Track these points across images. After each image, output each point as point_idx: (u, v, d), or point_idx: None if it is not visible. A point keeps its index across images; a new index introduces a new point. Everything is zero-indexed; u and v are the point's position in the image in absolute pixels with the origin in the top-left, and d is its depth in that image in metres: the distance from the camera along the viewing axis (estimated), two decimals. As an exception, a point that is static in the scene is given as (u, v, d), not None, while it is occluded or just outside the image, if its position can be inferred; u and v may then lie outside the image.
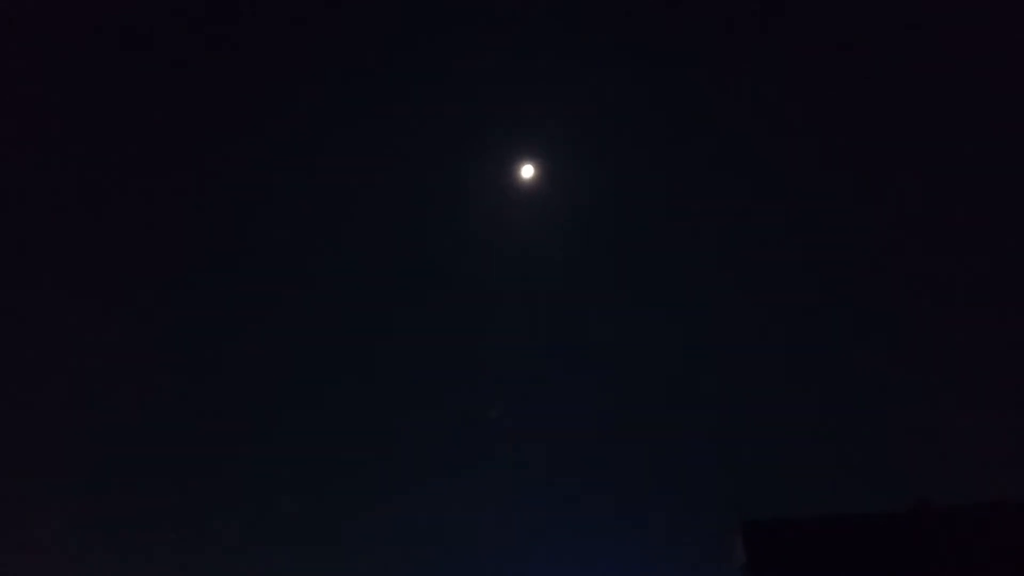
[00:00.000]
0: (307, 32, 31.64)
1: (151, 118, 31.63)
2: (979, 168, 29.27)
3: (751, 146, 31.33)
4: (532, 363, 31.51)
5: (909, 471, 26.38)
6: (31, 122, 31.07)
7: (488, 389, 31.30)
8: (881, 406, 28.62)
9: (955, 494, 23.26)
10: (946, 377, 28.30)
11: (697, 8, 30.78)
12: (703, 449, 29.21)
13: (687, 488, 28.64)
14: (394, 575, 29.85)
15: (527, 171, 30.78)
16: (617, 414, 30.36)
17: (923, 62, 29.60)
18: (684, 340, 31.08)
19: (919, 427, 27.75)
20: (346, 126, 32.09)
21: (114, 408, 31.43)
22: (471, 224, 31.85)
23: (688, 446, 29.46)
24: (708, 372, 30.50)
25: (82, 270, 31.96)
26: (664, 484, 28.91)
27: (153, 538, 30.35)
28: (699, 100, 31.51)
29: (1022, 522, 22.14)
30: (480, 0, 30.91)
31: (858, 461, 27.63)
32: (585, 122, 31.73)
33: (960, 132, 29.31)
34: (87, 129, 31.57)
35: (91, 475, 30.61)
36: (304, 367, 32.34)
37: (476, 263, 31.99)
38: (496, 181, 31.26)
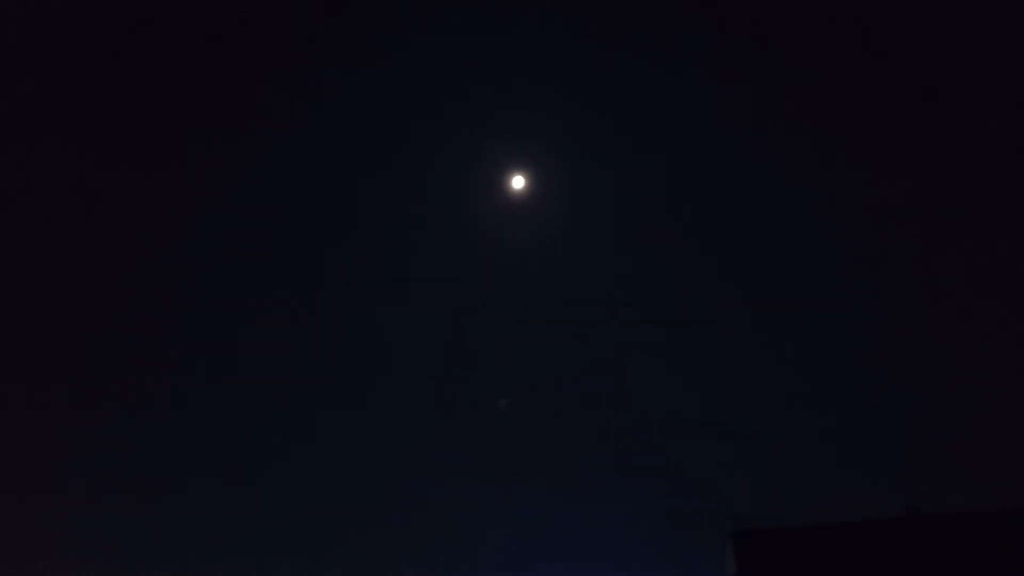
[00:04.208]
0: (297, 39, 31.88)
1: (148, 120, 31.93)
2: (978, 169, 29.51)
3: (747, 152, 31.57)
4: (523, 374, 31.70)
5: (899, 479, 26.48)
6: (39, 123, 31.38)
7: (481, 399, 31.47)
8: (872, 415, 28.78)
9: (945, 502, 23.42)
10: (936, 386, 28.42)
11: (693, 16, 31.03)
12: (695, 459, 29.35)
13: (679, 499, 28.77)
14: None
15: (518, 182, 30.90)
16: (609, 425, 30.54)
17: (922, 62, 29.85)
18: (678, 350, 31.27)
19: (909, 435, 27.86)
20: (336, 138, 32.36)
21: (117, 411, 31.71)
22: (463, 233, 32.02)
23: (680, 457, 29.58)
24: (701, 381, 30.67)
25: (83, 273, 32.22)
26: (655, 495, 29.05)
27: (155, 541, 30.54)
28: (692, 109, 31.73)
29: (1013, 529, 22.21)
30: (471, 13, 31.10)
31: (849, 470, 27.76)
32: (575, 132, 31.95)
33: (962, 132, 29.55)
34: (90, 130, 31.92)
35: (91, 478, 30.84)
36: (304, 372, 32.54)
37: (470, 272, 32.16)
38: (487, 192, 31.41)
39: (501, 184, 30.90)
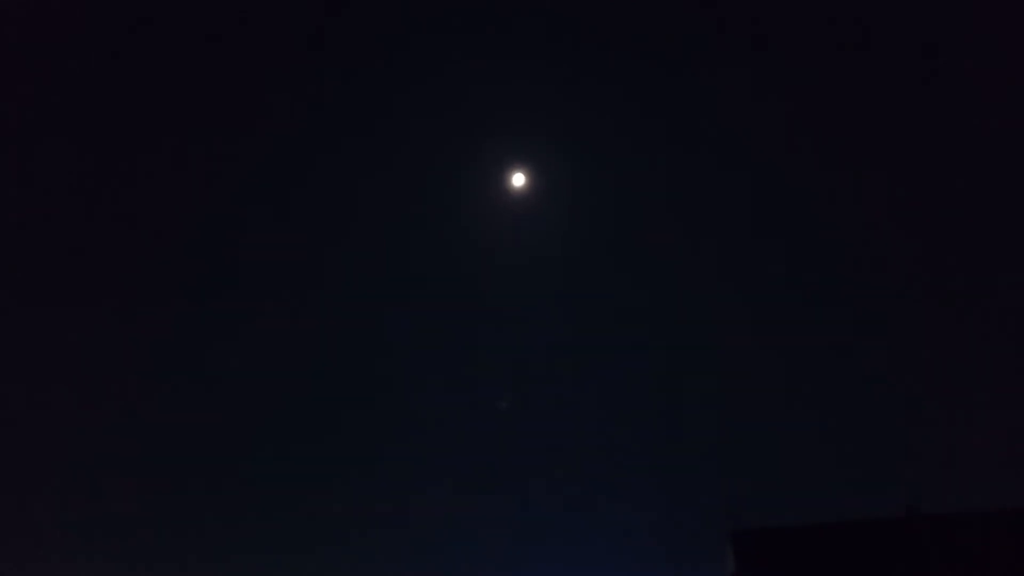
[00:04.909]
0: (297, 39, 31.97)
1: (148, 119, 32.11)
2: (978, 169, 29.51)
3: (747, 152, 31.57)
4: (523, 374, 31.75)
5: (899, 479, 26.48)
6: (39, 123, 31.45)
7: (481, 399, 31.51)
8: (872, 415, 28.78)
9: (945, 502, 23.39)
10: (936, 386, 28.48)
11: (693, 16, 31.09)
12: (695, 458, 29.39)
13: (679, 498, 28.81)
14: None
15: (518, 180, 30.93)
16: (609, 425, 30.60)
17: (922, 61, 29.87)
18: (678, 349, 31.27)
19: (909, 435, 27.90)
20: (336, 138, 32.43)
21: (117, 411, 31.84)
22: (463, 233, 32.08)
23: (680, 457, 29.63)
24: (701, 381, 30.68)
25: (83, 273, 32.43)
26: (655, 495, 29.07)
27: (155, 541, 30.64)
28: (692, 109, 31.78)
29: (1013, 529, 22.18)
30: (471, 13, 31.18)
31: (849, 469, 27.80)
32: (575, 132, 32.04)
33: (962, 132, 29.56)
34: (90, 130, 32.01)
35: (91, 478, 30.92)
36: (304, 372, 32.64)
37: (470, 271, 32.23)
38: (487, 189, 31.45)
39: (501, 183, 30.98)
